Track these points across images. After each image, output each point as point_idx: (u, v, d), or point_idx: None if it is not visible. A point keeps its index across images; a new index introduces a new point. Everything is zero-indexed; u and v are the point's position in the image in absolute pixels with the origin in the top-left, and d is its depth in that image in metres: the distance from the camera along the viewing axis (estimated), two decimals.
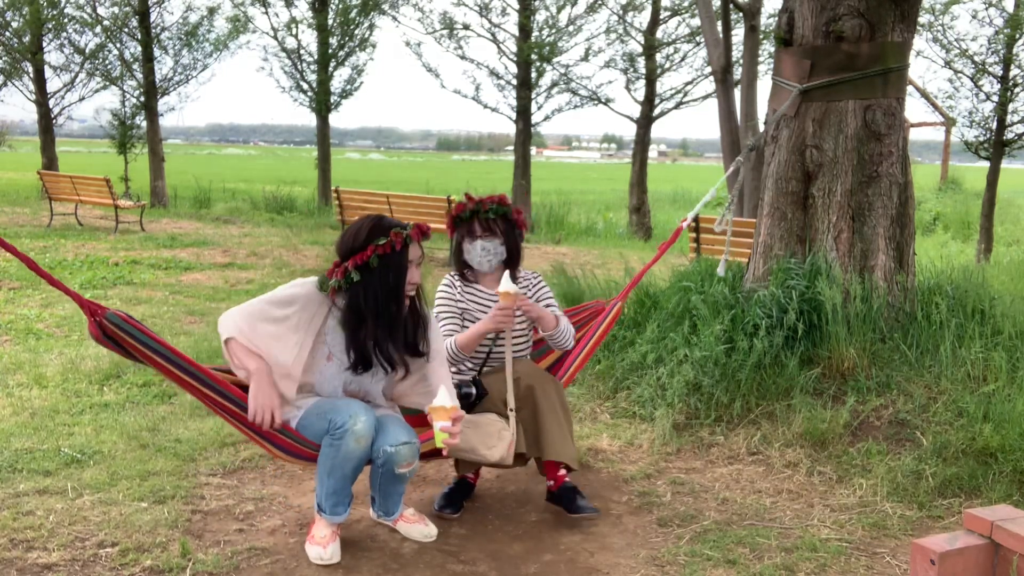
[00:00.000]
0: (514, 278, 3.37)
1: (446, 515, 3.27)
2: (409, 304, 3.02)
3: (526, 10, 16.24)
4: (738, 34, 11.16)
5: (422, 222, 3.03)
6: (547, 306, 3.50)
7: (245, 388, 2.96)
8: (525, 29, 16.31)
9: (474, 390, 3.19)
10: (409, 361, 3.05)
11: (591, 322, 3.98)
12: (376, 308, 2.89)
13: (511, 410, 3.17)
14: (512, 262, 3.39)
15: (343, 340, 2.95)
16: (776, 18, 4.91)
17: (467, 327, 3.36)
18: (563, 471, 3.33)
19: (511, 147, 21.48)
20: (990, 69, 11.08)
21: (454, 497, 3.35)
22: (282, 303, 2.90)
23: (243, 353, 2.84)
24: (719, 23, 10.13)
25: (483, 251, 3.32)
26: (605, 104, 16.83)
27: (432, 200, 11.07)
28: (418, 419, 3.57)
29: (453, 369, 3.37)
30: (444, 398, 2.77)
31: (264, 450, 3.02)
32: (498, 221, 3.31)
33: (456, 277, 3.45)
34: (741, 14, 10.19)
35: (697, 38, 15.95)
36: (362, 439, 2.85)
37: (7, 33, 18.08)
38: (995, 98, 11.05)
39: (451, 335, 3.33)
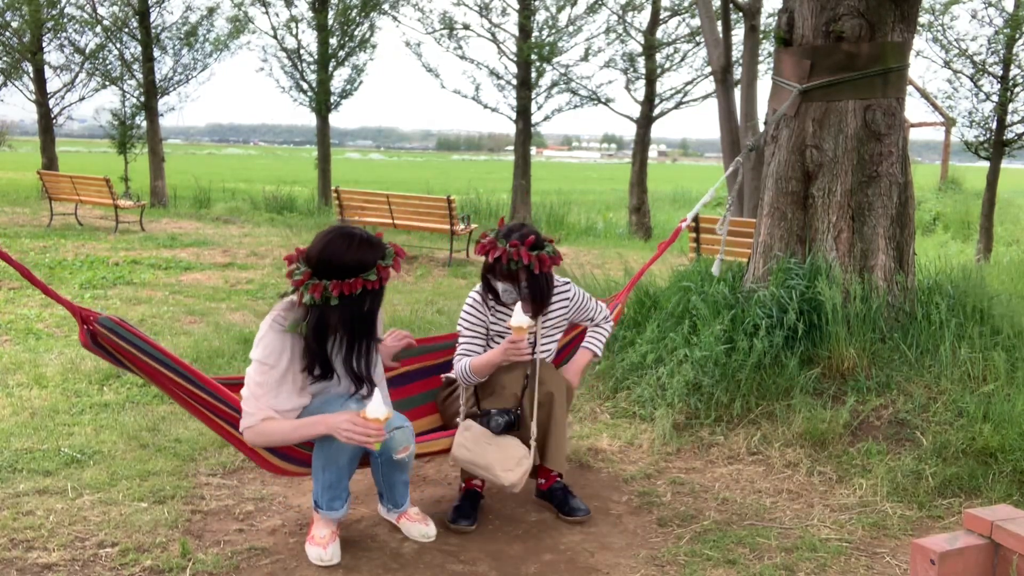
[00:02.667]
0: (539, 312, 3.32)
1: (463, 527, 3.20)
2: None
3: (526, 10, 16.24)
4: (738, 34, 11.16)
5: (398, 247, 2.91)
6: (585, 308, 3.52)
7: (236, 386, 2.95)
8: (525, 29, 16.31)
9: (509, 418, 3.16)
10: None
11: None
12: (351, 331, 2.85)
13: (533, 440, 3.17)
14: (538, 301, 3.29)
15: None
16: (776, 18, 4.91)
17: (492, 346, 3.34)
18: (554, 472, 3.38)
19: (511, 147, 21.46)
20: (990, 69, 11.08)
21: (466, 509, 3.28)
22: (265, 367, 2.80)
23: (288, 430, 2.78)
24: (719, 23, 10.13)
25: (504, 291, 3.28)
26: (605, 104, 16.83)
27: (432, 200, 11.06)
28: (424, 409, 3.59)
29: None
30: (376, 408, 2.67)
31: (256, 462, 3.00)
32: (519, 271, 3.22)
33: (487, 294, 3.36)
34: (741, 14, 10.19)
35: (697, 38, 15.95)
36: None
37: (7, 33, 18.08)
38: (995, 98, 11.05)
39: (469, 355, 3.30)
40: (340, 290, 2.74)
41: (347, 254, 2.77)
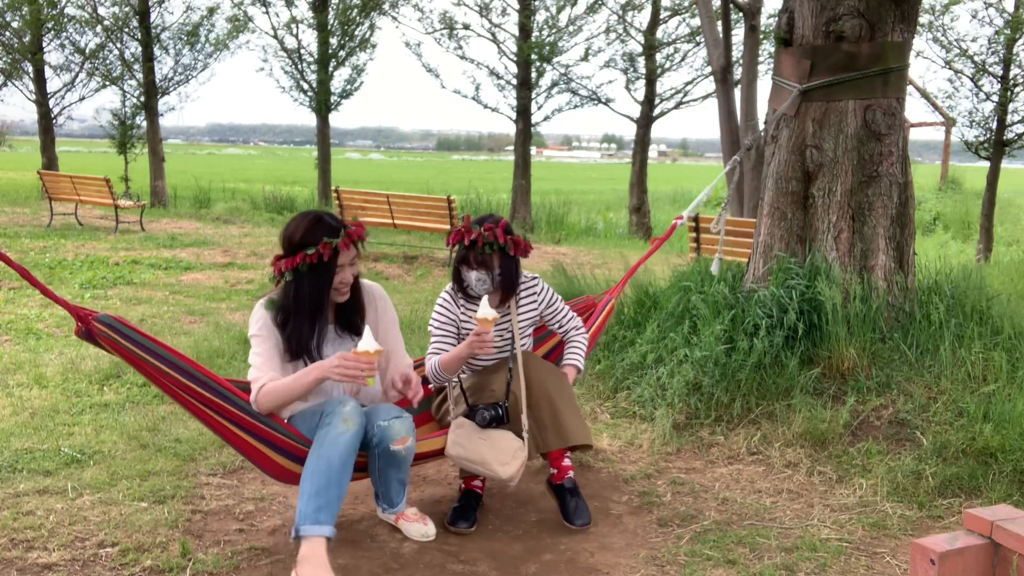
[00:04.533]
0: (505, 301, 3.36)
1: (462, 530, 3.19)
2: (350, 292, 3.03)
3: (526, 10, 16.24)
4: (738, 34, 11.15)
5: (358, 225, 2.99)
6: (557, 311, 3.50)
7: (241, 388, 2.96)
8: (525, 29, 16.30)
9: (496, 412, 3.17)
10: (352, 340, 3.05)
11: (582, 318, 3.99)
12: (299, 309, 2.92)
13: (525, 432, 3.17)
14: (507, 289, 3.35)
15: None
16: (776, 18, 4.91)
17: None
18: (567, 461, 3.33)
19: (511, 147, 21.46)
20: (990, 69, 11.08)
21: (465, 510, 3.27)
22: (258, 338, 2.93)
23: (289, 383, 2.84)
24: (719, 23, 10.12)
25: (478, 281, 3.30)
26: (605, 104, 16.82)
27: (432, 200, 11.05)
28: (420, 418, 3.58)
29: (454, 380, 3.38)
30: (367, 342, 2.72)
31: (262, 465, 2.97)
32: (493, 256, 3.27)
33: (457, 293, 3.40)
34: (741, 14, 10.18)
35: (697, 38, 15.94)
36: (350, 420, 2.79)
37: (7, 33, 18.08)
38: (995, 98, 11.05)
39: (439, 354, 3.32)
40: (287, 265, 2.90)
41: (296, 232, 2.92)
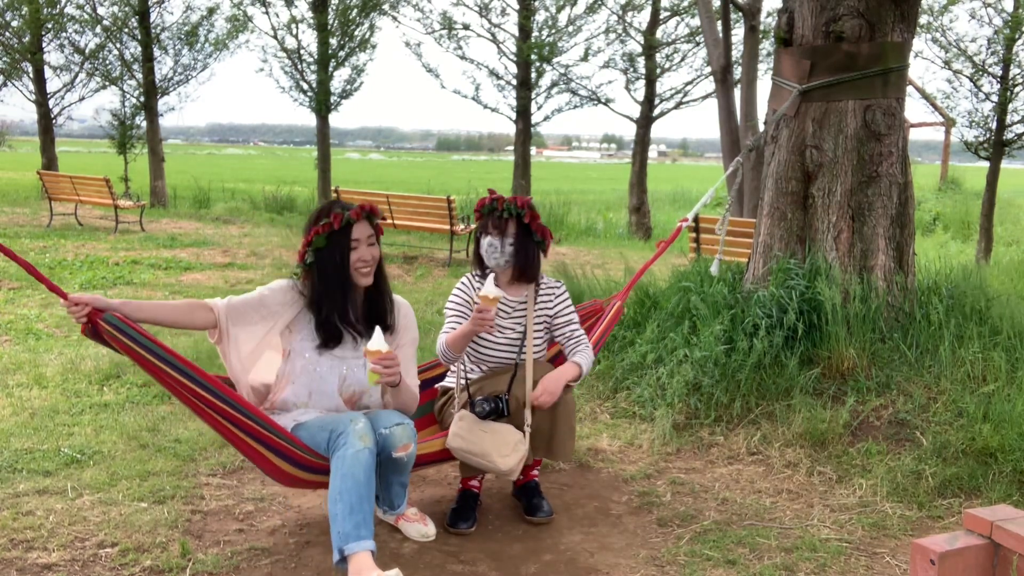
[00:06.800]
0: (519, 280, 3.37)
1: (462, 530, 3.20)
2: (374, 280, 3.06)
3: (526, 10, 16.24)
4: (738, 34, 11.16)
5: (369, 203, 3.09)
6: (567, 322, 3.42)
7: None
8: (525, 29, 16.31)
9: (496, 404, 3.17)
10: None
11: (590, 322, 3.98)
12: (326, 284, 2.98)
13: (527, 426, 3.17)
14: (525, 269, 3.33)
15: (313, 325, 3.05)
16: (776, 18, 4.91)
17: None
18: (536, 471, 3.42)
19: (511, 147, 21.47)
20: (989, 69, 11.08)
21: (464, 511, 3.28)
22: (263, 290, 3.04)
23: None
24: (719, 23, 10.13)
25: (489, 247, 3.29)
26: (605, 104, 16.83)
27: (432, 200, 11.06)
28: (423, 421, 3.57)
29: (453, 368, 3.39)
30: (377, 342, 2.76)
31: (263, 468, 2.97)
32: (510, 221, 3.27)
33: (476, 277, 3.41)
34: (741, 14, 10.19)
35: (697, 38, 15.95)
36: (366, 437, 2.80)
37: (7, 33, 18.08)
38: (995, 98, 11.05)
39: (449, 332, 3.31)
40: (306, 245, 3.00)
41: (314, 215, 3.05)
